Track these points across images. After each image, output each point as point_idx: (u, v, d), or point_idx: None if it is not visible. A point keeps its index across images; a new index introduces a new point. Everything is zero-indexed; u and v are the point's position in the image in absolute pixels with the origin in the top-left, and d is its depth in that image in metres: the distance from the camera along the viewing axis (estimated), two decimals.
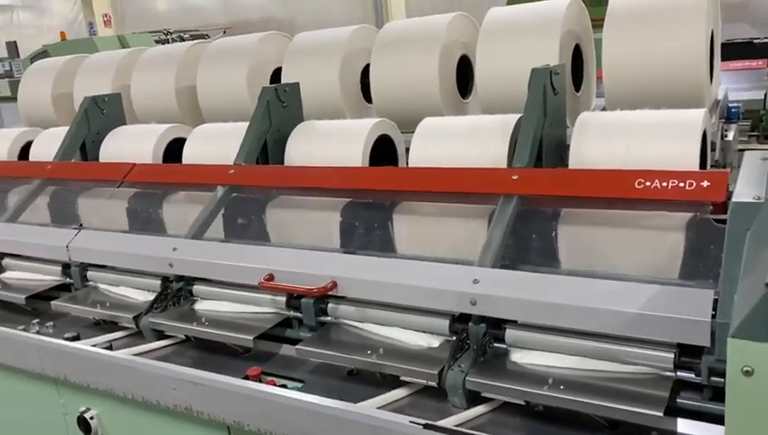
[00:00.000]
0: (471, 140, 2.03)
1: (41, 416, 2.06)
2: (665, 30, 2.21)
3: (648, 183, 1.60)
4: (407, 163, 2.17)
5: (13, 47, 13.51)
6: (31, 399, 2.07)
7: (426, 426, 1.33)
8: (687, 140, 1.73)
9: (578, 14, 2.56)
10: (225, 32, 13.23)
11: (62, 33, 9.26)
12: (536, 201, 1.73)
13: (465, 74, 2.70)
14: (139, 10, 17.64)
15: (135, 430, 1.85)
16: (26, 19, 20.43)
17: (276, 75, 2.98)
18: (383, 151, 2.30)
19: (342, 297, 1.75)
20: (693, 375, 1.34)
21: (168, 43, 11.13)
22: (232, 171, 2.24)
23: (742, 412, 1.00)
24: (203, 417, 1.62)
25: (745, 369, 0.98)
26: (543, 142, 1.90)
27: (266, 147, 2.35)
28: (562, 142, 1.98)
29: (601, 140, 1.85)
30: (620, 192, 1.62)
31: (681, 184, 1.56)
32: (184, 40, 11.72)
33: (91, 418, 1.88)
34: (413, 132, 2.14)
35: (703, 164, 1.82)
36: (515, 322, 1.54)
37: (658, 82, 2.22)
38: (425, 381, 1.53)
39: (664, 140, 1.76)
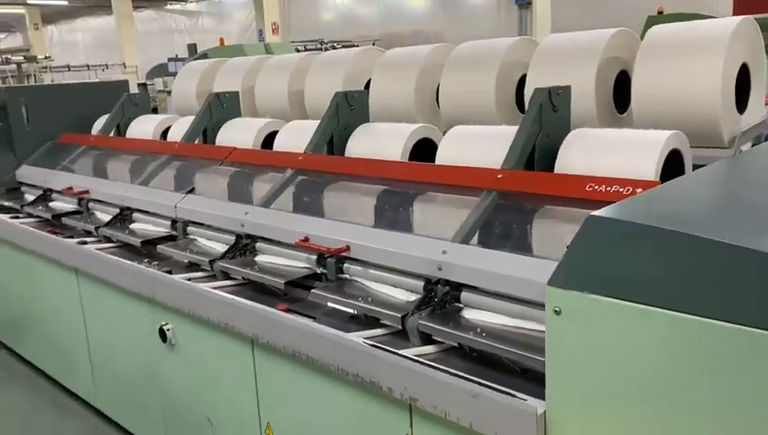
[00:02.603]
0: (484, 144, 2.43)
1: (136, 327, 2.75)
2: (684, 63, 2.46)
3: (596, 187, 1.93)
4: None
5: (192, 49, 15.34)
6: (130, 313, 2.77)
7: (372, 345, 1.78)
8: (647, 155, 2.03)
9: (626, 42, 2.82)
10: (374, 43, 14.17)
11: (221, 40, 10.49)
12: (511, 196, 2.11)
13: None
14: (304, 20, 19.18)
15: (194, 339, 2.46)
16: (209, 24, 22.89)
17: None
18: (429, 152, 2.74)
19: (357, 259, 2.24)
20: None
21: (321, 51, 12.17)
22: (301, 158, 2.81)
23: (555, 344, 1.36)
24: (234, 330, 2.18)
25: (555, 309, 1.34)
26: (536, 151, 2.25)
27: (333, 141, 2.89)
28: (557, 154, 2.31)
29: (582, 152, 2.18)
30: (574, 193, 1.96)
31: (621, 189, 1.88)
32: (336, 49, 12.73)
33: (168, 330, 2.52)
34: None
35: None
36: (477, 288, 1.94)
37: (676, 110, 2.46)
38: (393, 324, 1.97)
39: (629, 155, 2.07)
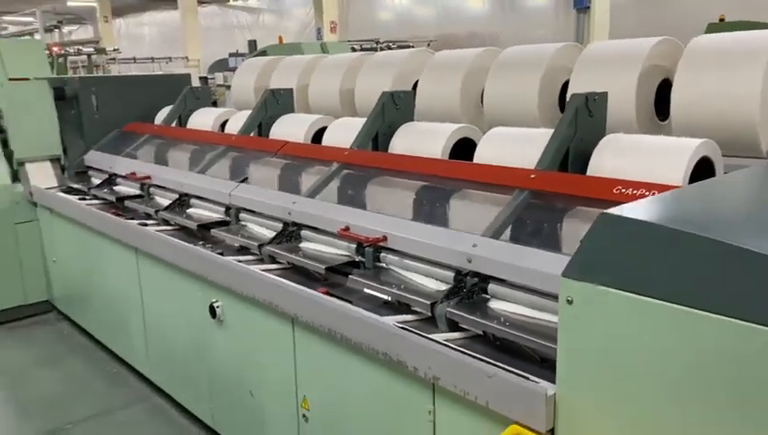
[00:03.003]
0: (520, 145, 2.53)
1: (188, 303, 2.96)
2: (723, 73, 2.51)
3: (623, 189, 2.02)
4: None
5: (253, 45, 15.74)
6: (184, 290, 2.98)
7: (401, 327, 1.92)
8: (676, 161, 2.11)
9: (670, 51, 2.88)
10: (429, 44, 14.26)
11: (280, 38, 10.77)
12: (542, 196, 2.22)
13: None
14: (361, 19, 19.37)
15: (240, 316, 2.65)
16: (270, 21, 23.36)
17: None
18: (469, 151, 2.86)
19: (392, 249, 2.38)
20: None
21: (376, 51, 12.36)
22: (346, 153, 2.97)
23: (567, 331, 1.48)
24: (277, 309, 2.35)
25: (568, 298, 1.45)
26: (570, 154, 2.35)
27: (378, 138, 3.04)
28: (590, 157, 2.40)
29: (614, 156, 2.27)
30: (602, 195, 2.05)
31: (646, 192, 1.96)
32: (390, 49, 12.90)
33: (217, 307, 2.72)
34: None
35: None
36: (504, 280, 2.05)
37: (714, 119, 2.52)
38: (423, 310, 2.10)
39: (658, 160, 2.15)
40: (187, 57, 20.45)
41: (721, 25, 8.48)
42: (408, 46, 13.15)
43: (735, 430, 1.25)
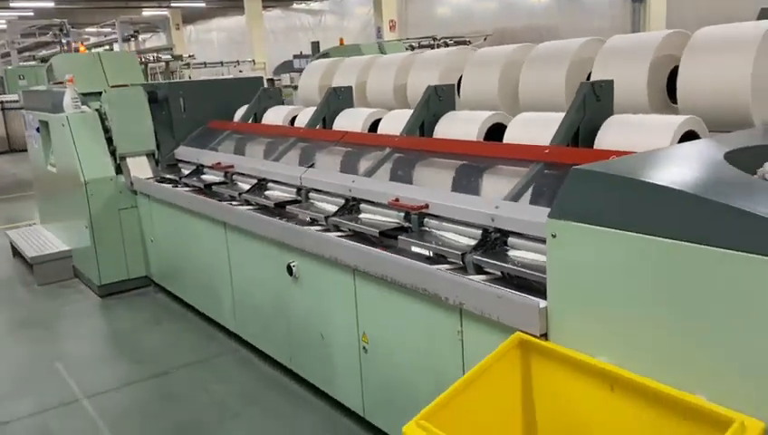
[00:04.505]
0: (542, 127, 3.02)
1: (269, 265, 3.58)
2: (719, 61, 2.93)
3: (617, 158, 2.49)
4: None
5: (316, 46, 16.47)
6: (265, 255, 3.61)
7: (429, 265, 2.47)
8: (663, 135, 2.57)
9: (681, 42, 3.28)
10: (485, 38, 14.65)
11: (341, 40, 11.40)
12: (553, 166, 2.71)
13: None
14: (420, 17, 19.88)
15: (313, 273, 3.25)
16: (331, 22, 24.16)
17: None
18: (501, 133, 3.36)
19: (433, 215, 2.92)
20: None
21: (433, 48, 12.88)
22: (396, 139, 3.53)
23: (552, 259, 1.98)
24: (340, 262, 2.94)
25: (552, 234, 1.96)
26: (580, 132, 2.83)
27: (424, 126, 3.58)
28: None
29: (615, 132, 2.74)
30: None
31: None
32: (448, 45, 13.38)
33: (294, 266, 3.33)
34: None
35: None
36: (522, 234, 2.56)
37: (711, 98, 2.95)
38: (456, 260, 2.63)
39: (649, 135, 2.61)
40: (253, 60, 21.45)
41: None
42: (465, 42, 13.58)
43: (675, 315, 1.72)
